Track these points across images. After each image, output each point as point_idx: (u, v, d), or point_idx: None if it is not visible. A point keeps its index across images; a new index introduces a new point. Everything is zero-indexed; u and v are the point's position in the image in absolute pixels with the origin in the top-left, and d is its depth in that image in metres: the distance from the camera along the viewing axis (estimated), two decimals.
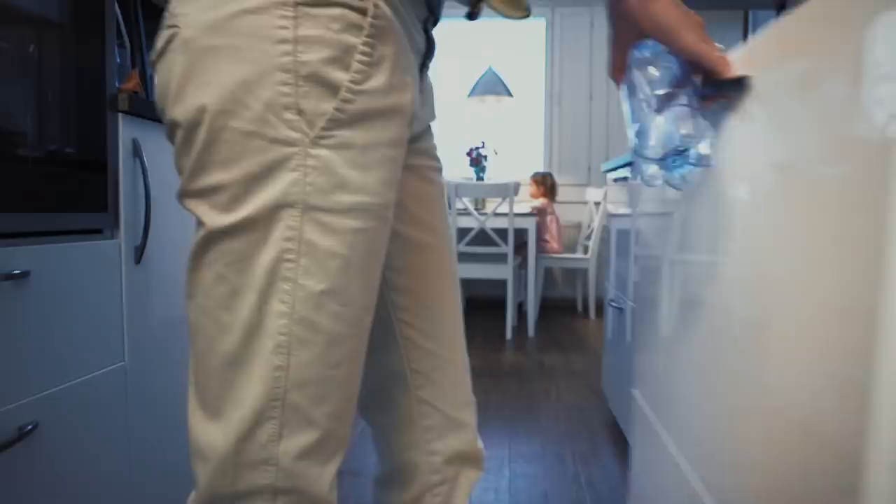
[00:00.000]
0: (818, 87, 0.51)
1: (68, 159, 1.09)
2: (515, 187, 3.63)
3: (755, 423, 0.60)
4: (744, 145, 0.65)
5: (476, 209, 3.85)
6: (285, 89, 0.56)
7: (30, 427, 0.96)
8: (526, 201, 4.43)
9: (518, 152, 4.93)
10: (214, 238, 0.59)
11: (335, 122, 0.58)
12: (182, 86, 0.58)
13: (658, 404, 0.99)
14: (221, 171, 0.57)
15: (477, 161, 4.44)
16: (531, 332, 3.88)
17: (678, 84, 0.64)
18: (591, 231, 4.34)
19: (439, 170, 0.83)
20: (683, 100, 0.64)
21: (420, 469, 0.81)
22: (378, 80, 0.60)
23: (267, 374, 0.59)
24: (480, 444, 0.86)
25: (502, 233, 3.67)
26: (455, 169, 4.60)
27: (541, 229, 4.25)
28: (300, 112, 0.57)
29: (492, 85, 4.46)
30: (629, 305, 2.14)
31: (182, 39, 0.58)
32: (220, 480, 0.61)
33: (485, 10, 0.77)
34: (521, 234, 3.94)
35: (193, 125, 0.58)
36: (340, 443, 0.65)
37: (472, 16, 0.76)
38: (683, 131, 0.63)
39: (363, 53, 0.59)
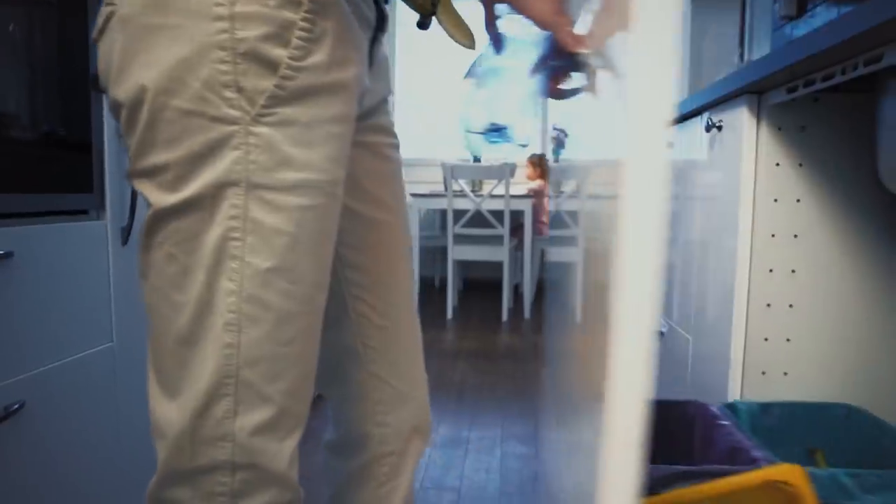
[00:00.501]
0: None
1: (52, 140, 1.09)
2: (511, 169, 3.62)
3: None
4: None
5: (473, 191, 3.84)
6: (224, 67, 0.56)
7: (16, 406, 0.96)
8: (522, 183, 4.42)
9: None
10: (162, 217, 0.59)
11: (276, 100, 0.57)
12: (122, 65, 0.58)
13: None
14: (165, 151, 0.57)
15: None
16: (527, 313, 3.88)
17: (541, 58, 0.63)
18: None
19: (396, 146, 0.82)
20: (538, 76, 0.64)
21: (370, 439, 0.84)
22: (319, 55, 0.59)
23: (218, 351, 0.60)
24: (429, 417, 0.88)
25: (498, 214, 3.66)
26: (452, 151, 4.58)
27: (537, 211, 4.24)
28: (240, 90, 0.56)
29: None
30: None
31: (120, 17, 0.58)
32: (178, 457, 0.62)
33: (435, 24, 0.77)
34: (517, 216, 3.93)
35: (135, 105, 0.57)
36: (298, 419, 0.65)
37: (422, 25, 0.74)
38: (506, 108, 0.63)
39: (303, 29, 0.58)
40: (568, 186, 0.75)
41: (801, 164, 1.09)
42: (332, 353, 0.82)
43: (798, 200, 1.10)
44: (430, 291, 4.63)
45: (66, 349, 1.08)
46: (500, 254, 3.68)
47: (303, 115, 0.59)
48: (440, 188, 3.90)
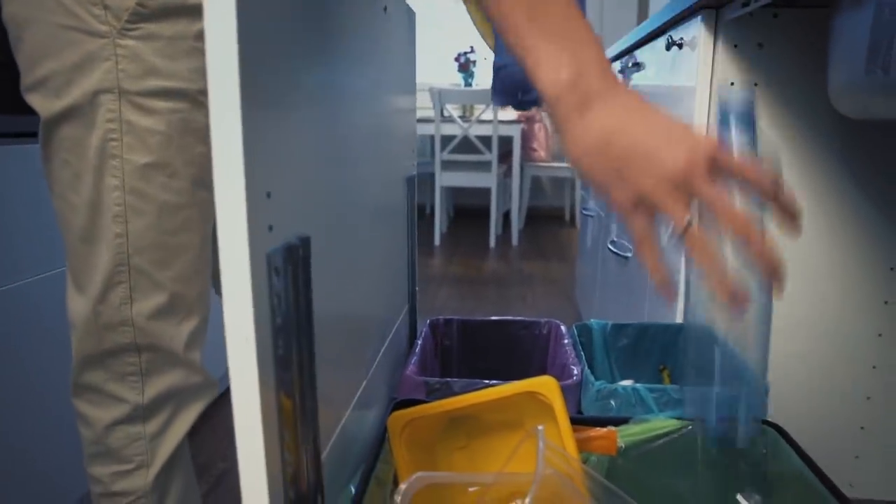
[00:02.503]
0: None
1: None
2: None
3: None
4: None
5: (462, 117, 3.78)
6: None
7: None
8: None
9: None
10: (51, 126, 0.66)
11: (139, 16, 0.63)
12: None
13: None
14: (46, 64, 0.64)
15: (465, 67, 4.32)
16: (515, 241, 3.89)
17: None
18: None
19: None
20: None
21: None
22: None
23: (110, 241, 0.67)
24: None
25: (487, 140, 3.62)
26: (443, 75, 4.48)
27: (528, 137, 4.18)
28: (105, 7, 0.62)
29: None
30: (597, 213, 2.13)
31: None
32: (87, 343, 0.70)
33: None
34: (506, 142, 3.88)
35: (18, 23, 0.64)
36: (193, 306, 0.73)
37: None
38: None
39: None
40: None
41: (756, 84, 1.06)
42: None
43: None
44: (420, 218, 4.63)
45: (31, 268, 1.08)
46: (488, 180, 3.65)
47: (166, 30, 0.65)
48: (429, 114, 3.84)
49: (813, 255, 1.11)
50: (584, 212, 2.35)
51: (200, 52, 0.65)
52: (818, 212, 1.09)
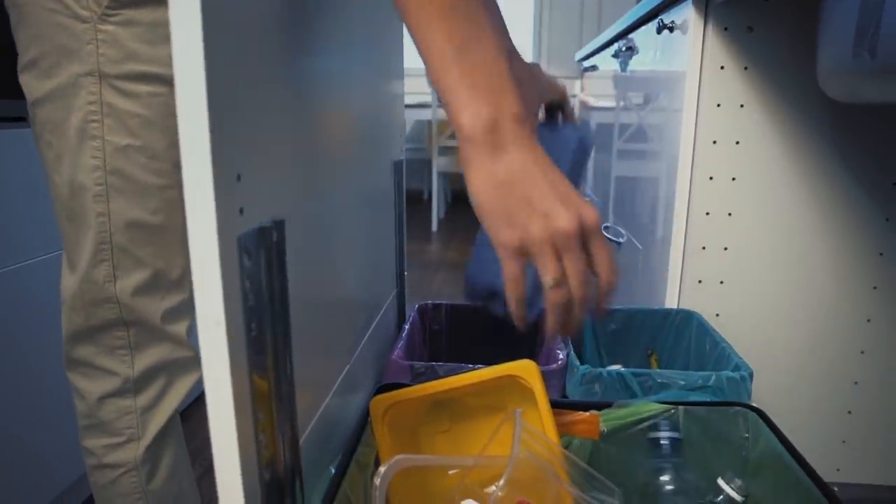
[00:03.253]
0: None
1: None
2: None
3: None
4: None
5: None
6: None
7: None
8: None
9: None
10: (37, 108, 0.68)
11: (118, 3, 0.65)
12: None
13: None
14: (36, 46, 0.66)
15: None
16: None
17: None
18: None
19: None
20: None
21: None
22: None
23: (93, 220, 0.70)
24: None
25: None
26: None
27: None
28: None
29: None
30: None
31: None
32: (75, 319, 0.73)
33: None
34: None
35: (15, 6, 0.67)
36: (177, 282, 0.76)
37: None
38: None
39: None
40: None
41: (746, 68, 1.05)
42: None
43: (741, 106, 1.07)
44: (417, 204, 4.62)
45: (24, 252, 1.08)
46: None
47: (145, 17, 0.66)
48: (426, 99, 3.82)
49: (802, 240, 1.11)
50: None
51: None
52: (808, 196, 1.09)
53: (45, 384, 1.12)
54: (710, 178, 1.10)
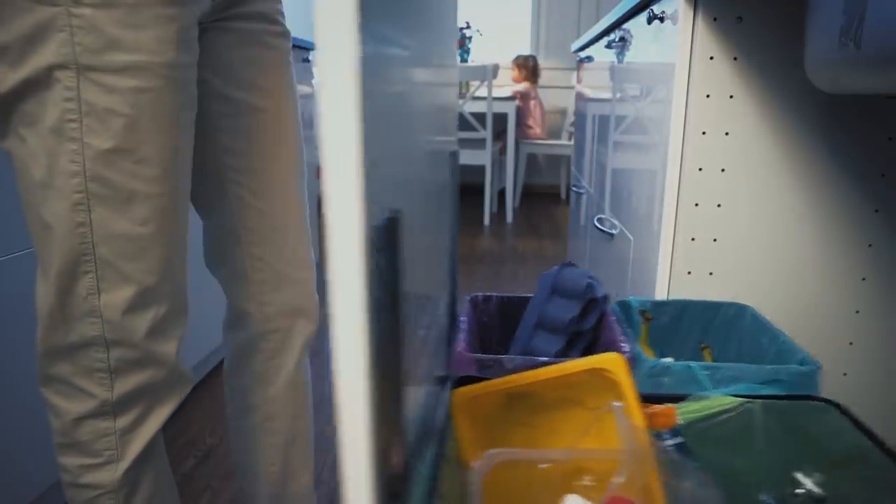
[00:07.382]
0: None
1: None
2: (494, 69, 3.52)
3: None
4: None
5: (458, 92, 3.76)
6: None
7: None
8: (508, 86, 4.31)
9: (503, 34, 4.74)
10: (8, 101, 0.61)
11: None
12: None
13: None
14: (2, 34, 0.58)
15: (460, 42, 4.28)
16: (509, 218, 3.89)
17: None
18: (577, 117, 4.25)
19: (283, 34, 0.82)
20: None
21: (253, 317, 0.88)
22: None
23: (71, 231, 0.63)
24: (317, 299, 0.91)
25: (482, 117, 3.60)
26: None
27: (524, 114, 4.16)
28: None
29: None
30: (587, 190, 2.13)
31: None
32: (53, 333, 0.67)
33: None
34: (501, 120, 3.86)
35: None
36: (166, 299, 0.69)
37: None
38: None
39: None
40: None
41: (735, 59, 1.06)
42: (216, 235, 0.86)
43: (731, 97, 1.07)
44: None
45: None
46: (483, 157, 3.64)
47: None
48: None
49: (791, 231, 1.11)
50: (575, 189, 2.34)
51: (167, 20, 0.61)
52: (797, 187, 1.09)
53: (19, 388, 1.07)
54: (700, 169, 1.10)
